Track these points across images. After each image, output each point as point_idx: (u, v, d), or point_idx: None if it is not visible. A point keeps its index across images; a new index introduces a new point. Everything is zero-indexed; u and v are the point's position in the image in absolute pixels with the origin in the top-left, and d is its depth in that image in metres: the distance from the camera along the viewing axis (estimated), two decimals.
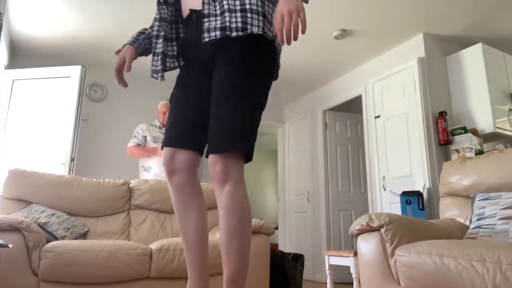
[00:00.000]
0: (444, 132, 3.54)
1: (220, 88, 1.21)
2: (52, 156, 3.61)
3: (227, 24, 1.19)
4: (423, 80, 3.71)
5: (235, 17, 1.18)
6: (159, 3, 1.40)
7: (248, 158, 1.22)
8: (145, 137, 3.47)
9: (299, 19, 1.11)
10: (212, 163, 1.19)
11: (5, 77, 3.79)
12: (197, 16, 1.31)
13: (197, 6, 1.32)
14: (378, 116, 4.12)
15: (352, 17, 3.56)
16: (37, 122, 3.71)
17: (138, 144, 3.43)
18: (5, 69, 3.93)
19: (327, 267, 3.03)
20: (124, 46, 1.47)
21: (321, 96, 5.14)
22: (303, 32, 1.12)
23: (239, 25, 1.17)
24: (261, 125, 5.78)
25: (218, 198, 1.20)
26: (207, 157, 1.23)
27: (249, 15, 1.18)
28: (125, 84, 1.48)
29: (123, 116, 4.69)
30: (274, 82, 5.04)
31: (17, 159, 3.58)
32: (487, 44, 3.97)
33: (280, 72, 4.72)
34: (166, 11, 1.39)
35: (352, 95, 4.57)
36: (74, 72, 3.83)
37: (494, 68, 3.66)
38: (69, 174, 3.60)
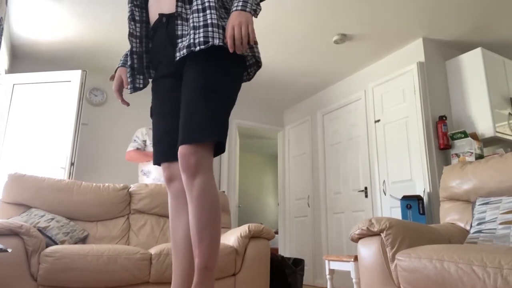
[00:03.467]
0: (444, 136, 3.54)
1: (188, 84, 1.29)
2: (52, 160, 3.61)
3: (191, 41, 1.28)
4: (423, 84, 3.72)
5: (198, 33, 1.28)
6: (128, 19, 1.50)
7: (220, 149, 1.29)
8: (145, 141, 3.48)
9: (248, 31, 1.26)
10: (183, 154, 1.23)
11: (5, 82, 3.80)
12: (167, 19, 1.39)
13: (165, 10, 1.40)
14: (378, 121, 4.13)
15: (351, 22, 3.57)
16: (37, 126, 3.71)
17: (137, 148, 3.43)
18: (6, 73, 3.93)
19: (327, 272, 3.02)
20: (116, 70, 1.60)
21: (321, 101, 5.15)
22: (251, 42, 1.28)
23: (201, 39, 1.27)
24: (261, 129, 5.81)
25: (188, 189, 1.24)
26: (177, 150, 1.28)
27: (210, 29, 1.28)
28: (127, 104, 1.59)
29: (123, 120, 4.69)
30: (274, 87, 5.07)
31: (17, 163, 3.58)
32: (487, 48, 3.99)
33: (280, 76, 4.73)
34: (134, 27, 1.48)
35: (352, 99, 4.58)
36: (74, 76, 3.84)
37: (494, 72, 3.67)
38: (69, 178, 3.59)
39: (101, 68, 4.54)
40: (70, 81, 3.83)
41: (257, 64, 1.45)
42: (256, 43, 1.42)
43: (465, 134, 3.42)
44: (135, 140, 3.47)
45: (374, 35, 3.78)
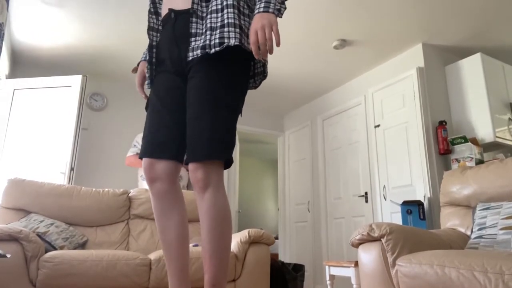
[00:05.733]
0: (444, 141, 3.54)
1: (196, 96, 1.25)
2: (52, 165, 3.60)
3: (207, 42, 1.24)
4: (423, 89, 3.72)
5: (215, 34, 1.24)
6: (149, 12, 1.47)
7: (227, 164, 1.26)
8: None
9: (272, 32, 1.19)
10: (192, 171, 1.22)
11: (6, 87, 3.80)
12: (175, 15, 1.36)
13: (175, 6, 1.37)
14: (378, 126, 4.13)
15: (351, 27, 3.58)
16: (37, 131, 3.71)
17: (137, 153, 3.43)
18: (6, 78, 3.94)
19: (327, 278, 3.01)
20: (138, 63, 1.56)
21: (321, 106, 5.16)
22: (278, 44, 1.20)
23: (217, 41, 1.22)
24: (261, 134, 5.81)
25: (199, 204, 1.24)
26: (187, 164, 1.26)
27: (226, 29, 1.23)
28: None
29: (123, 125, 4.69)
30: (274, 92, 5.08)
31: (17, 168, 3.57)
32: (486, 54, 4.00)
33: (280, 81, 4.74)
34: (155, 20, 1.46)
35: (352, 104, 4.58)
36: (75, 81, 3.84)
37: (493, 77, 3.68)
38: (69, 183, 3.59)
39: (101, 73, 4.55)
40: (70, 86, 3.83)
41: (263, 73, 1.42)
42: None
43: (465, 139, 3.42)
44: (135, 145, 3.47)
45: (373, 40, 3.79)
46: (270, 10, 1.22)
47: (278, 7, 1.24)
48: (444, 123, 3.59)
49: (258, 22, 1.20)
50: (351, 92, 4.67)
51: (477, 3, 3.22)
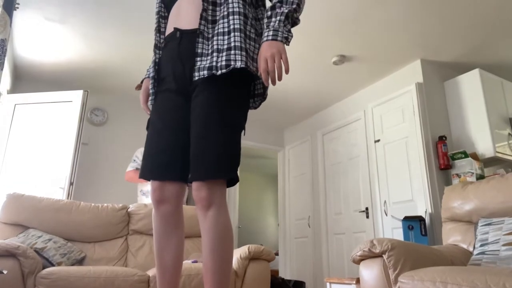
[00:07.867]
0: (444, 156, 3.54)
1: (201, 115, 1.25)
2: (51, 180, 3.59)
3: (214, 64, 1.26)
4: (422, 105, 3.74)
5: (221, 56, 1.26)
6: (155, 30, 1.50)
7: (232, 182, 1.27)
8: None
9: (282, 61, 1.24)
10: (196, 190, 1.23)
11: (7, 102, 3.82)
12: (181, 35, 1.37)
13: (181, 25, 1.38)
14: (378, 140, 4.13)
15: (350, 43, 3.62)
16: (37, 146, 3.71)
17: (137, 169, 3.42)
18: (8, 93, 3.96)
19: None
20: (142, 80, 1.57)
21: (321, 121, 5.17)
22: (286, 72, 1.26)
23: (224, 63, 1.25)
24: (261, 149, 5.81)
25: (201, 222, 1.24)
26: (190, 182, 1.26)
27: (232, 52, 1.26)
28: None
29: (123, 141, 4.70)
30: (274, 107, 5.10)
31: (17, 183, 3.56)
32: (485, 69, 4.03)
33: (281, 96, 4.77)
34: (159, 38, 1.49)
35: (352, 119, 4.60)
36: (75, 96, 3.86)
37: (492, 93, 3.70)
38: (68, 198, 3.57)
39: (102, 88, 4.58)
40: (71, 101, 3.85)
41: (263, 95, 1.43)
42: None
43: (465, 154, 3.42)
44: (134, 160, 3.47)
45: (372, 56, 3.83)
46: (279, 38, 1.25)
47: (286, 35, 1.27)
48: (444, 138, 3.59)
49: (267, 50, 1.23)
50: (351, 107, 4.69)
51: (475, 19, 3.26)
